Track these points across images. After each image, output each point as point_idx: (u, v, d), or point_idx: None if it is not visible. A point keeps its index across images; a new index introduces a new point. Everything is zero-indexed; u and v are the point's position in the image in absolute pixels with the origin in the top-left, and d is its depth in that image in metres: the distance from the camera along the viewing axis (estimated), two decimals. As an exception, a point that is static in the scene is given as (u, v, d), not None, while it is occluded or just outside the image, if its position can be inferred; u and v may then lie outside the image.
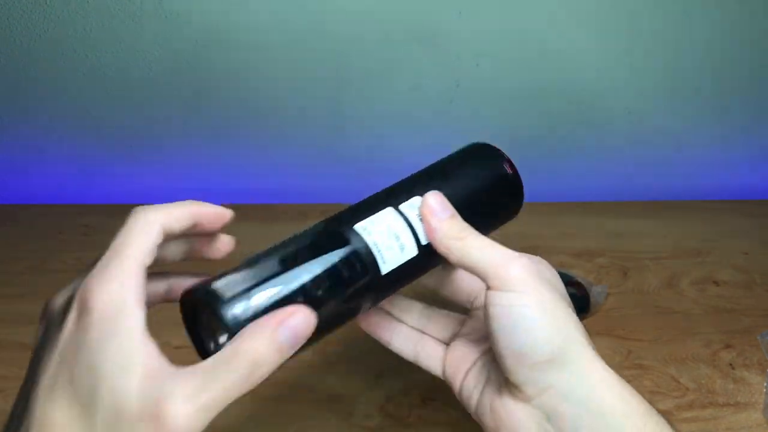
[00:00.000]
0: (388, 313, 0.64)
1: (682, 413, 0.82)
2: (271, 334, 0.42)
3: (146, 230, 0.44)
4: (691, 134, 1.23)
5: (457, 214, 0.56)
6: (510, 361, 0.50)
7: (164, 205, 0.46)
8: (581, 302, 0.98)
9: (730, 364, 0.89)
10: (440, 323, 0.64)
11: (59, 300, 0.44)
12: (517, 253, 0.54)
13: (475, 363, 0.59)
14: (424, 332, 0.64)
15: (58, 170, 1.28)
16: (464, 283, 0.65)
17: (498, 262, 0.52)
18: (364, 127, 1.21)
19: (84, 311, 0.40)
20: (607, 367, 0.53)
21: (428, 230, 0.55)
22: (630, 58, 1.10)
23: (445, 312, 0.66)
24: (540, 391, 0.50)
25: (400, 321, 0.64)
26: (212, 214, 0.49)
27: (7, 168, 1.28)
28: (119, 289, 0.41)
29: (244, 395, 0.41)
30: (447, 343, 0.63)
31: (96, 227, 1.17)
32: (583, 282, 1.01)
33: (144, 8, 1.06)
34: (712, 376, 0.87)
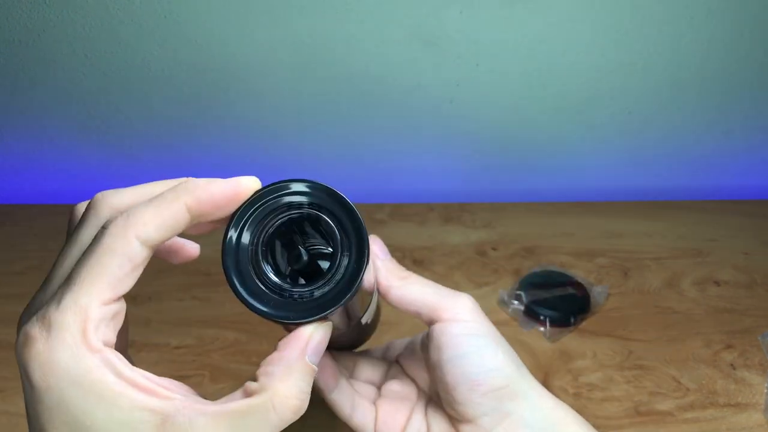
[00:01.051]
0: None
1: (682, 414, 0.82)
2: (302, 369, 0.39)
3: (122, 253, 0.34)
4: (691, 134, 1.23)
5: (393, 259, 0.56)
6: (463, 391, 0.50)
7: (153, 201, 0.36)
8: (582, 302, 0.98)
9: (731, 365, 0.89)
10: (368, 367, 0.64)
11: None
12: (456, 291, 0.55)
13: (411, 414, 0.58)
14: (353, 376, 0.63)
15: (58, 169, 1.28)
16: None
17: (444, 296, 0.53)
18: (363, 127, 1.21)
19: (33, 389, 0.33)
20: (557, 398, 0.53)
21: (376, 265, 0.55)
22: (631, 57, 1.10)
23: (369, 357, 0.65)
24: (498, 420, 0.50)
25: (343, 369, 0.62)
26: (220, 196, 0.38)
27: (6, 168, 1.28)
28: (74, 364, 0.32)
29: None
30: (377, 386, 0.62)
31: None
32: (583, 282, 1.01)
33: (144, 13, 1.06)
34: (713, 377, 0.87)
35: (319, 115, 1.19)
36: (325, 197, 0.41)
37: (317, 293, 0.40)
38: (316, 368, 0.40)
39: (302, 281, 0.42)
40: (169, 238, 0.37)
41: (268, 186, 0.41)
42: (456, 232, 1.16)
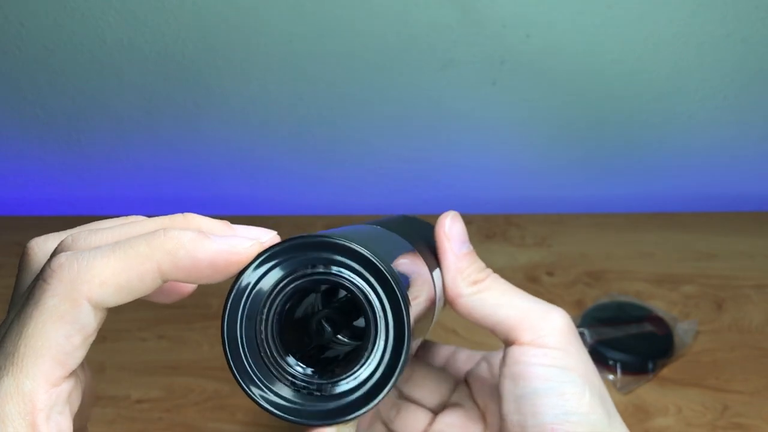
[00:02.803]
0: None
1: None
2: None
3: (71, 321, 0.32)
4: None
5: (474, 251, 0.55)
6: None
7: (116, 252, 0.34)
8: (663, 343, 0.98)
9: None
10: (425, 384, 0.63)
11: None
12: (550, 303, 0.53)
13: None
14: (403, 394, 0.62)
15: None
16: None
17: (529, 310, 0.52)
18: (378, 118, 1.21)
19: None
20: None
21: (442, 263, 0.54)
22: (726, 26, 1.10)
23: (429, 369, 0.64)
24: None
25: None
26: (207, 265, 0.36)
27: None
28: None
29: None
30: (434, 412, 0.62)
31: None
32: (665, 317, 1.01)
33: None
34: (833, 440, 0.87)
35: (322, 101, 1.19)
36: (363, 265, 0.38)
37: (339, 389, 0.38)
38: None
39: (311, 370, 0.41)
40: (126, 299, 0.35)
41: (296, 239, 0.39)
42: (500, 252, 1.17)
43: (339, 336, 0.43)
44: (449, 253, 0.53)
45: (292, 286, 0.39)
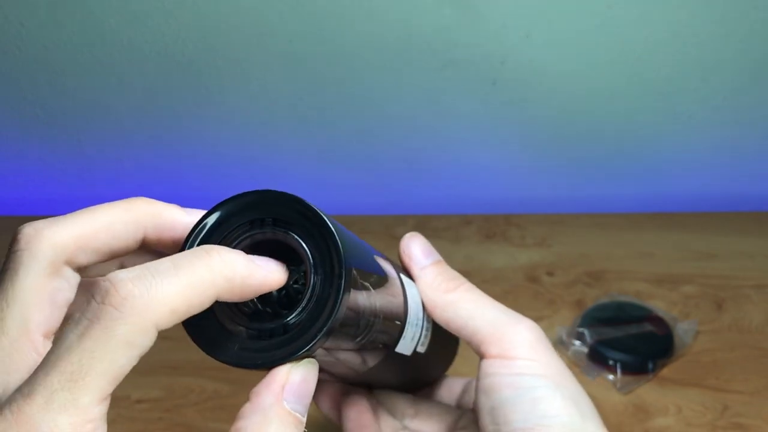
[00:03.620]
0: (369, 409, 0.60)
1: (793, 487, 0.82)
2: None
3: (140, 346, 0.33)
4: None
5: (443, 261, 0.56)
6: None
7: (181, 276, 0.35)
8: (663, 343, 0.98)
9: None
10: (432, 416, 0.63)
11: None
12: (519, 315, 0.54)
13: None
14: (409, 429, 0.62)
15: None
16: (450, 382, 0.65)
17: (498, 323, 0.52)
18: (378, 117, 1.21)
19: None
20: None
21: (415, 281, 0.54)
22: (726, 25, 1.10)
23: (436, 403, 0.64)
24: None
25: (384, 416, 0.62)
26: (255, 287, 0.39)
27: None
28: None
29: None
30: None
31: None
32: (665, 317, 1.01)
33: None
34: (834, 440, 0.87)
35: (322, 101, 1.19)
36: (293, 210, 0.42)
37: (291, 322, 0.40)
38: (302, 418, 0.39)
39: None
40: (97, 257, 0.38)
41: (229, 200, 0.43)
42: (500, 252, 1.17)
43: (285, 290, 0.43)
44: (413, 269, 0.54)
45: (237, 241, 0.42)
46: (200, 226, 0.42)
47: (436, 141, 1.23)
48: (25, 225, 0.37)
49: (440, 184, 1.29)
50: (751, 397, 0.92)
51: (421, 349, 0.55)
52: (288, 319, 0.40)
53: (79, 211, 0.38)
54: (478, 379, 0.52)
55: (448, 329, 0.54)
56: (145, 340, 0.33)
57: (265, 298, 0.42)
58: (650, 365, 0.95)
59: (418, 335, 0.54)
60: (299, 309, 0.40)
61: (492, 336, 0.51)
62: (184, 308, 0.34)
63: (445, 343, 0.61)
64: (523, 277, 1.11)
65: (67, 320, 0.36)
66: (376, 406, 0.61)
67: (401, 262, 0.55)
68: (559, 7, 1.08)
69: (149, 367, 0.97)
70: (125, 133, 1.25)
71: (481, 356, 0.52)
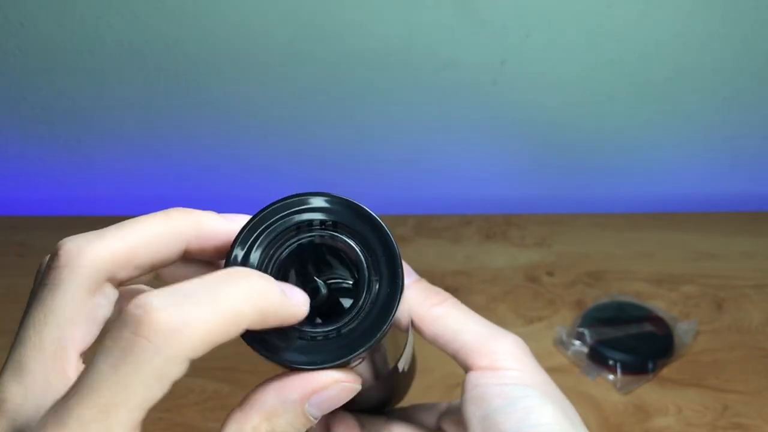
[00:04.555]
0: (357, 428, 0.59)
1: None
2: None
3: (174, 377, 0.33)
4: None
5: (424, 279, 0.56)
6: None
7: (217, 305, 0.34)
8: (663, 343, 0.98)
9: None
10: None
11: None
12: (503, 329, 0.54)
13: None
14: None
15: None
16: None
17: (485, 336, 0.53)
18: (379, 117, 1.21)
19: None
20: None
21: None
22: (726, 26, 1.10)
23: (409, 425, 0.63)
24: None
25: None
26: (293, 316, 0.38)
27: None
28: None
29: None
30: None
31: (34, 245, 1.18)
32: (665, 317, 1.01)
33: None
34: (834, 440, 0.87)
35: (322, 101, 1.19)
36: (343, 212, 0.42)
37: (344, 330, 0.40)
38: (315, 421, 0.39)
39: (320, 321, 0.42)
40: (135, 274, 0.38)
41: (275, 203, 0.42)
42: (500, 252, 1.17)
43: (333, 294, 0.44)
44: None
45: (278, 256, 0.41)
46: (245, 231, 0.41)
47: (436, 141, 1.23)
48: (65, 240, 0.37)
49: (440, 184, 1.29)
50: (751, 397, 0.92)
51: (404, 368, 0.56)
52: (342, 324, 0.40)
53: (119, 225, 0.38)
54: (465, 391, 0.52)
55: (434, 344, 0.54)
56: (178, 371, 0.33)
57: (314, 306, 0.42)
58: (650, 365, 0.95)
59: (409, 351, 0.54)
60: (353, 315, 0.40)
61: (481, 348, 0.52)
62: (216, 339, 0.34)
63: (413, 364, 0.61)
64: (523, 277, 1.11)
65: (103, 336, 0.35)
66: (360, 426, 0.61)
67: None
68: (559, 7, 1.08)
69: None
70: (125, 134, 1.25)
71: (468, 369, 0.52)
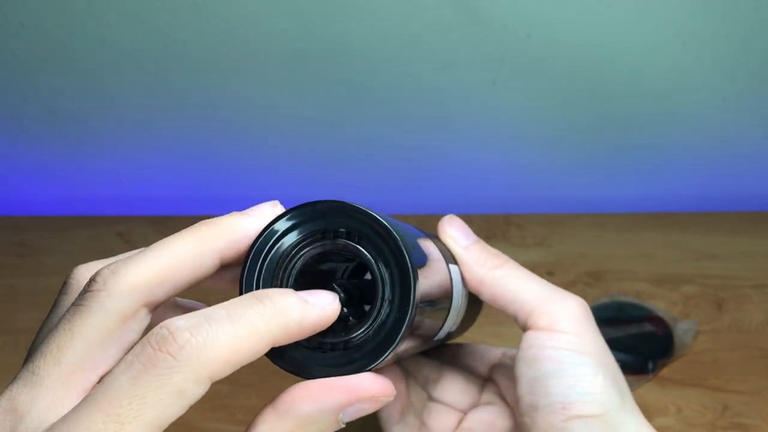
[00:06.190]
0: (402, 378, 0.61)
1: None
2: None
3: (193, 397, 0.34)
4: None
5: (481, 240, 0.57)
6: (545, 415, 0.50)
7: (235, 327, 0.35)
8: (663, 343, 0.98)
9: None
10: (455, 384, 0.64)
11: None
12: (566, 291, 0.55)
13: None
14: (432, 397, 0.63)
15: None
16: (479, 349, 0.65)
17: (545, 296, 0.53)
18: (378, 117, 1.21)
19: None
20: None
21: (457, 260, 0.55)
22: (726, 25, 1.10)
23: (460, 371, 0.65)
24: None
25: (413, 385, 0.63)
26: (310, 328, 0.39)
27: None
28: None
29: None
30: (464, 412, 0.63)
31: (34, 245, 1.18)
32: (665, 317, 1.01)
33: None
34: (834, 440, 0.87)
35: (322, 102, 1.19)
36: (345, 218, 0.43)
37: (353, 342, 0.40)
38: (343, 426, 0.39)
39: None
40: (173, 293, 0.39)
41: (286, 213, 0.43)
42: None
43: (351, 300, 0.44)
44: (457, 248, 0.55)
45: (306, 249, 0.42)
46: (266, 233, 0.42)
47: (436, 141, 1.23)
48: (102, 267, 0.37)
49: (440, 184, 1.29)
50: (751, 397, 0.92)
51: (453, 329, 0.56)
52: (353, 335, 0.40)
53: (149, 249, 0.38)
54: (520, 349, 0.53)
55: (493, 304, 0.55)
56: (198, 390, 0.33)
57: None
58: (650, 365, 0.95)
59: (455, 318, 0.54)
60: (367, 325, 0.40)
61: (540, 309, 0.53)
62: (239, 359, 0.35)
63: (472, 315, 0.61)
64: (523, 277, 1.11)
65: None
66: (406, 375, 0.62)
67: (444, 243, 0.56)
68: (559, 7, 1.08)
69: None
70: (125, 134, 1.25)
71: (527, 328, 0.53)
